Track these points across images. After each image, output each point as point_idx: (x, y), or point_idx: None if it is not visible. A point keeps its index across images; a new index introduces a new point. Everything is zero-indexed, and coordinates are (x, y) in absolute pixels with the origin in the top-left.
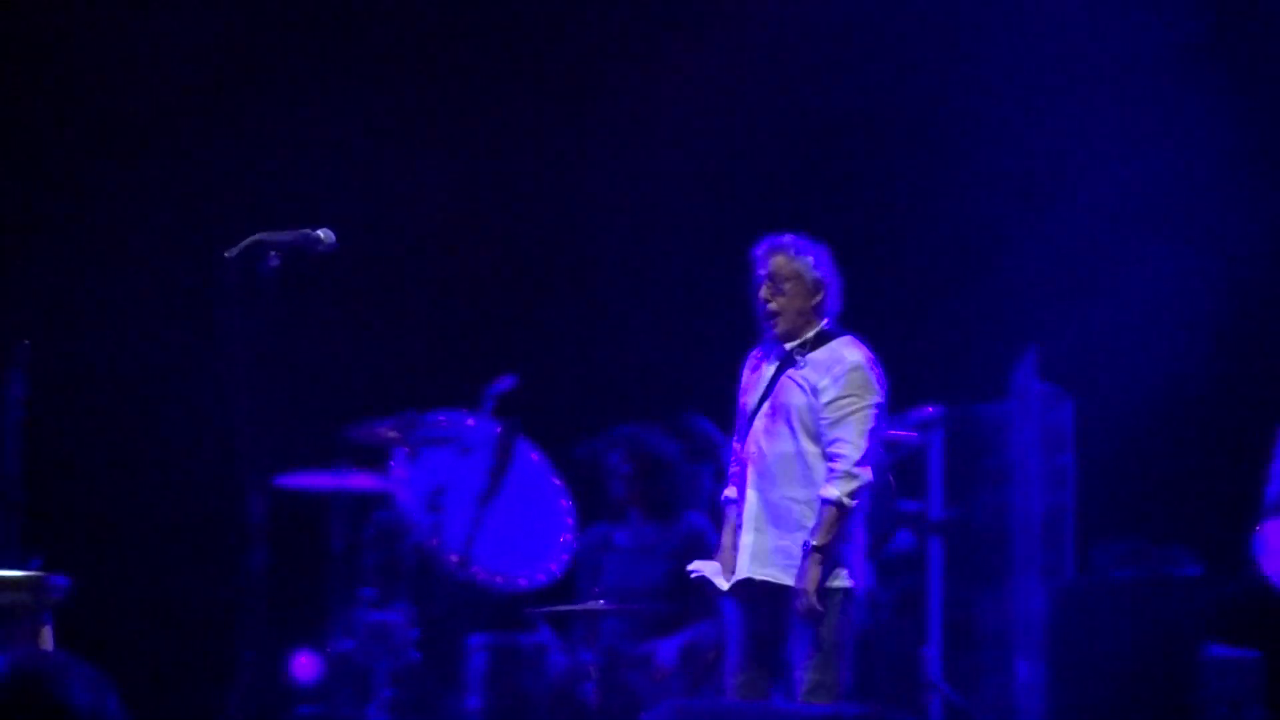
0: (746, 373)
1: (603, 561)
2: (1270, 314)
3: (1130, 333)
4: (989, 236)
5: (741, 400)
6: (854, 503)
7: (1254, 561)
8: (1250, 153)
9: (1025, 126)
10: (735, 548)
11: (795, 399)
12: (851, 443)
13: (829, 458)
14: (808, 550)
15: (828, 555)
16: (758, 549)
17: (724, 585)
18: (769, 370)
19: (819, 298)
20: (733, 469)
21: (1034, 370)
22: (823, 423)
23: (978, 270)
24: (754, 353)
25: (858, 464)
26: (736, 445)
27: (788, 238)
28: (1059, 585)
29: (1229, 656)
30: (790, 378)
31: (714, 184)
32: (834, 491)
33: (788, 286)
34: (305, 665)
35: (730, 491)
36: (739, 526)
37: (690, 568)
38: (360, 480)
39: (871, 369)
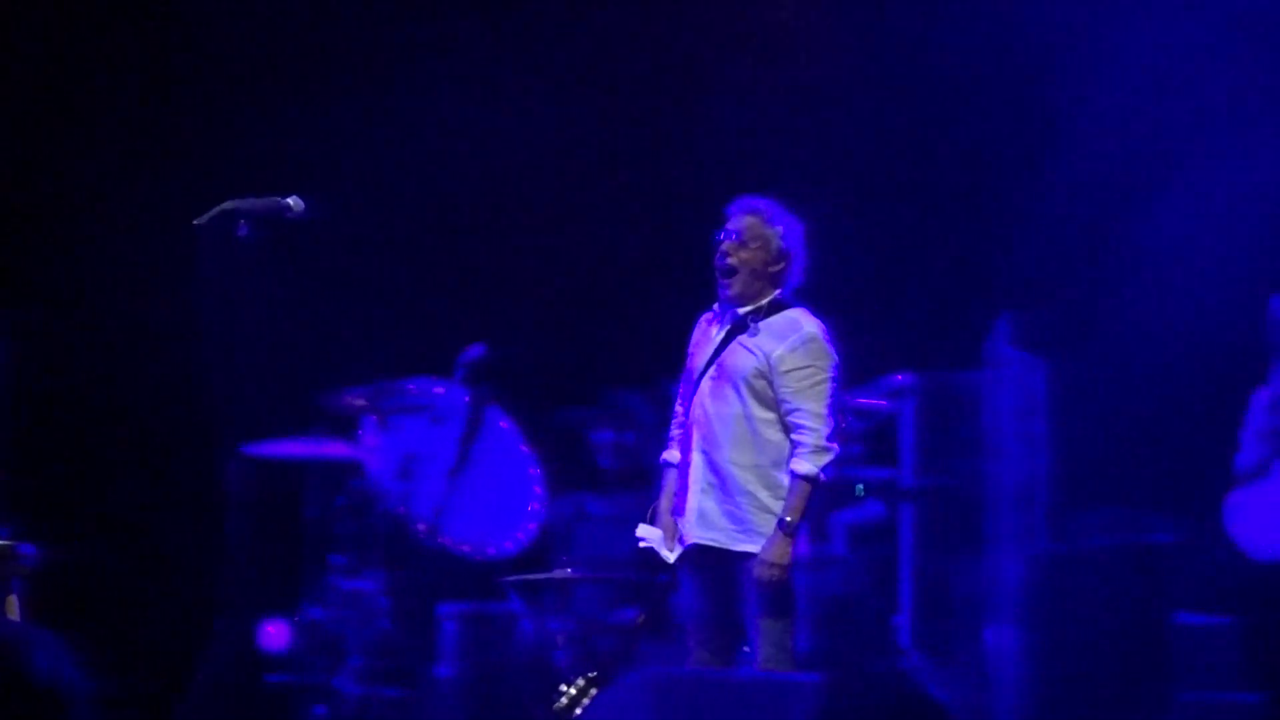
0: (695, 334)
1: (577, 531)
2: (1247, 277)
3: (1107, 299)
4: (964, 202)
5: (689, 363)
6: (825, 477)
7: (1224, 528)
8: (1237, 108)
9: (1006, 89)
10: (676, 512)
11: (744, 363)
12: (818, 414)
13: (795, 429)
14: (781, 524)
15: (798, 531)
16: (705, 511)
17: (670, 556)
18: (718, 334)
19: (780, 266)
20: (674, 431)
21: (1008, 337)
22: (783, 392)
23: (951, 236)
24: (705, 315)
25: (827, 438)
26: (679, 408)
27: (765, 202)
28: (1033, 553)
29: (1202, 624)
30: (741, 343)
31: (686, 147)
32: (806, 466)
33: (752, 246)
34: (275, 634)
35: (671, 454)
36: (681, 490)
37: (638, 533)
38: (332, 448)
39: (828, 340)
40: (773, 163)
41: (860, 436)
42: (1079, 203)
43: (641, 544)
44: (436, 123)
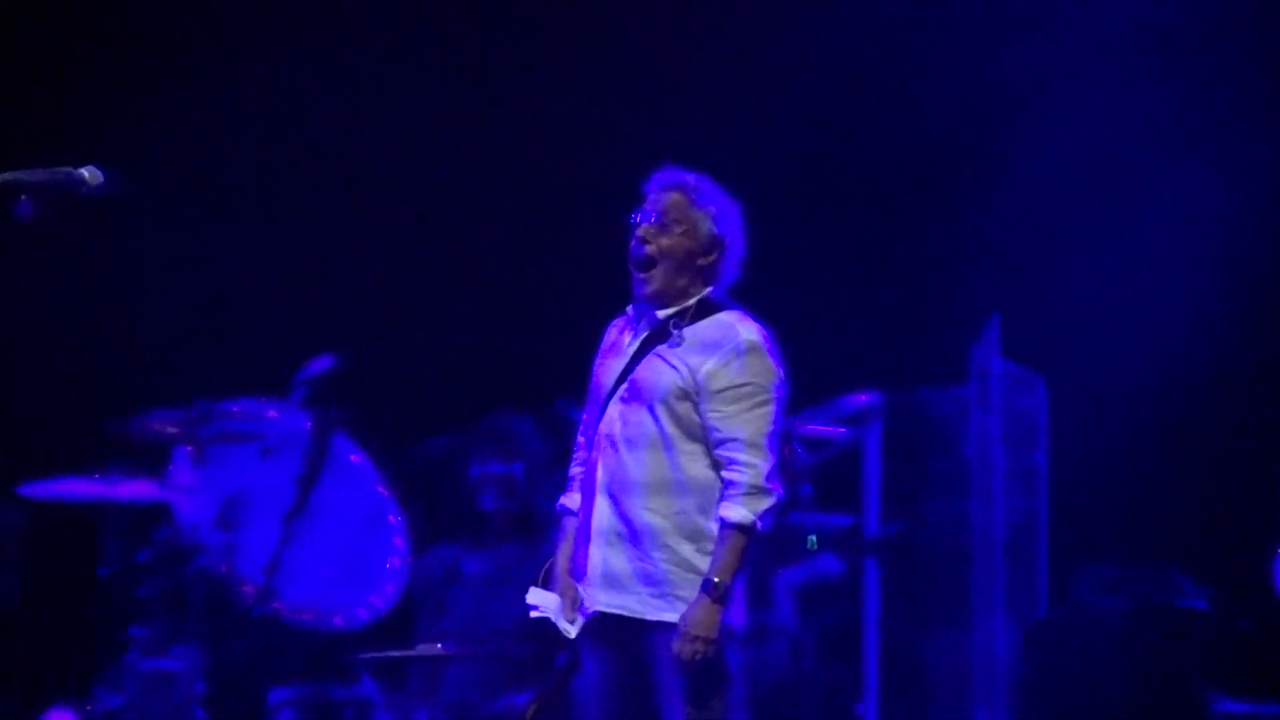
0: (604, 345)
1: (448, 594)
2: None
3: (1114, 303)
4: (938, 188)
5: (594, 381)
6: (762, 526)
7: (1271, 591)
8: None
9: (986, 68)
10: (577, 572)
11: (663, 379)
12: (755, 446)
13: (727, 465)
14: (707, 586)
15: (728, 594)
16: (610, 571)
17: (570, 629)
18: (631, 344)
19: (711, 259)
20: (575, 469)
21: (997, 346)
22: (713, 417)
23: (923, 226)
24: (616, 321)
25: (767, 477)
26: (582, 439)
27: (693, 176)
28: (1029, 619)
29: (1242, 710)
30: (660, 355)
31: (593, 128)
32: (740, 512)
33: (676, 230)
34: None
35: (571, 499)
36: (583, 542)
37: (529, 599)
38: (134, 489)
39: (771, 351)
40: (703, 137)
41: (811, 472)
42: (1082, 185)
43: (534, 613)
44: (280, 90)
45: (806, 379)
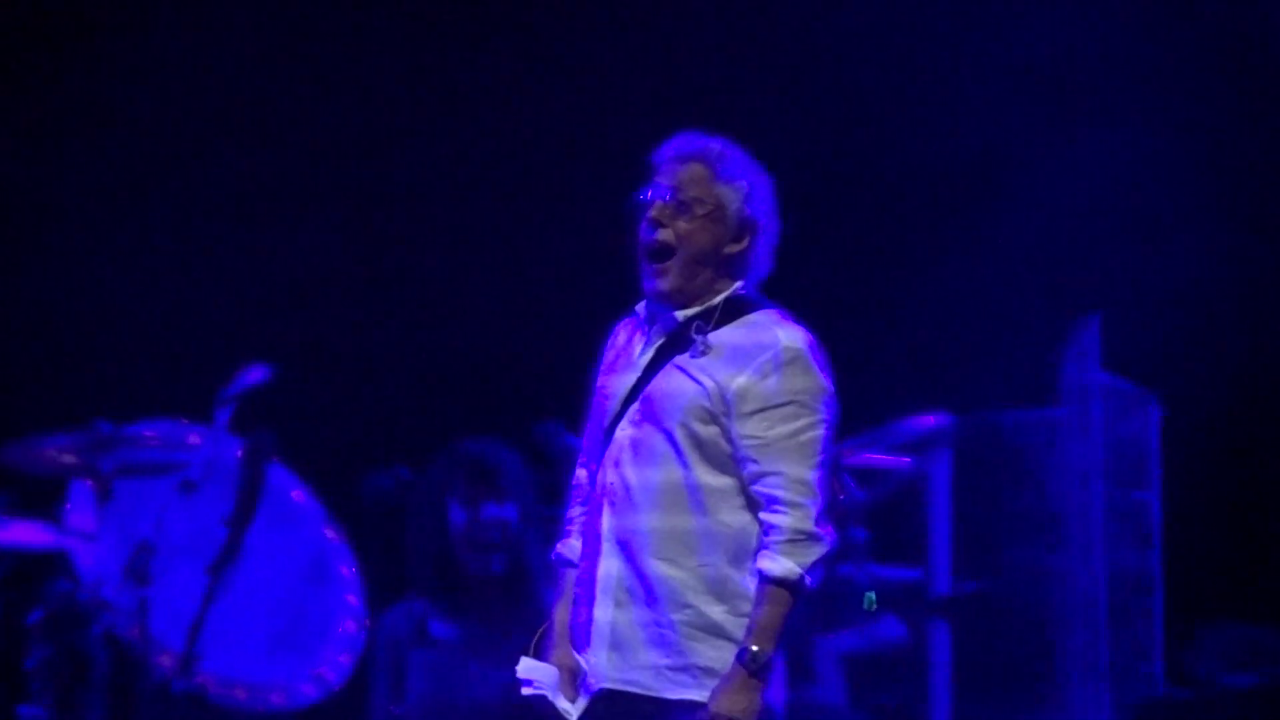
0: (608, 354)
1: (414, 664)
2: None
3: (1243, 300)
4: (1017, 162)
5: (597, 398)
6: (811, 582)
7: None
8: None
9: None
10: (580, 639)
11: (684, 396)
12: (801, 482)
13: (766, 504)
14: (743, 657)
15: (768, 667)
16: (620, 636)
17: (570, 710)
18: (643, 353)
19: (741, 246)
20: (575, 510)
21: (1097, 356)
22: (747, 445)
23: (1001, 211)
24: (622, 323)
25: (816, 520)
26: (582, 472)
27: (718, 143)
28: (1138, 698)
29: None
30: (679, 366)
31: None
32: (784, 565)
33: (697, 212)
34: None
35: (569, 547)
36: (586, 601)
37: (520, 673)
38: (20, 533)
39: (817, 360)
40: (735, 123)
41: (866, 513)
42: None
43: (524, 689)
44: (208, 71)
45: (860, 397)
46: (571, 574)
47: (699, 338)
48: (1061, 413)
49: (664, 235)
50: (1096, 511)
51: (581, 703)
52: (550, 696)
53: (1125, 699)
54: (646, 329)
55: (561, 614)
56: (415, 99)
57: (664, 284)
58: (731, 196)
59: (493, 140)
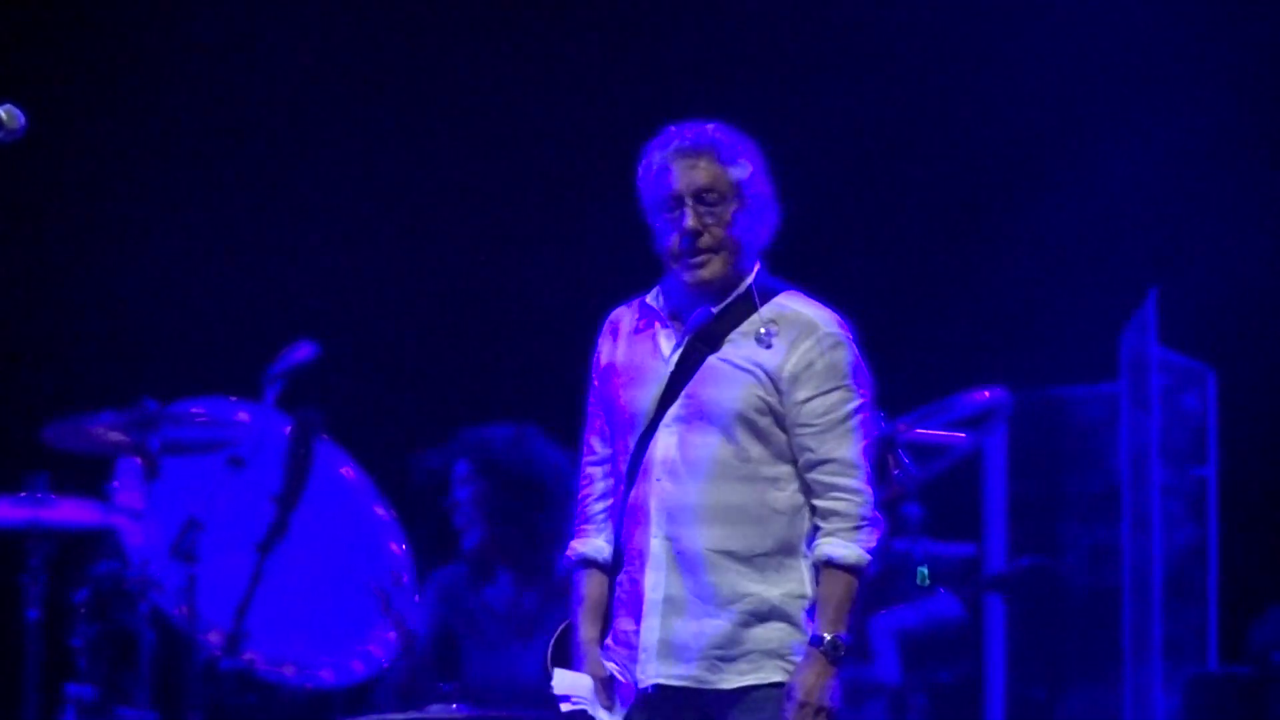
0: (611, 346)
1: (467, 643)
2: None
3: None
4: (1077, 137)
5: (608, 393)
6: (873, 565)
7: None
8: None
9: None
10: (618, 643)
11: (740, 391)
12: (857, 467)
13: (824, 491)
14: (819, 643)
15: (843, 652)
16: (671, 636)
17: (610, 718)
18: (671, 348)
19: (763, 225)
20: (594, 506)
21: (1154, 330)
22: (803, 433)
23: (1059, 186)
24: (623, 310)
25: (875, 504)
26: (594, 470)
27: (712, 128)
28: (1195, 675)
29: None
30: (727, 360)
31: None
32: (852, 551)
33: (733, 210)
34: None
35: (589, 545)
36: (634, 602)
37: (556, 690)
38: (68, 511)
39: (852, 340)
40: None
41: (921, 489)
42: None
43: (564, 705)
44: (246, 61)
45: (918, 372)
46: (593, 577)
47: (766, 331)
48: (1118, 387)
49: (706, 239)
50: (1153, 487)
51: (620, 712)
52: (590, 710)
53: (1181, 675)
54: (667, 321)
55: (587, 618)
56: (468, 87)
57: (706, 273)
58: (744, 178)
59: (546, 118)
